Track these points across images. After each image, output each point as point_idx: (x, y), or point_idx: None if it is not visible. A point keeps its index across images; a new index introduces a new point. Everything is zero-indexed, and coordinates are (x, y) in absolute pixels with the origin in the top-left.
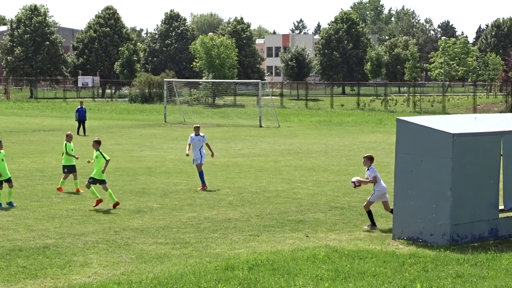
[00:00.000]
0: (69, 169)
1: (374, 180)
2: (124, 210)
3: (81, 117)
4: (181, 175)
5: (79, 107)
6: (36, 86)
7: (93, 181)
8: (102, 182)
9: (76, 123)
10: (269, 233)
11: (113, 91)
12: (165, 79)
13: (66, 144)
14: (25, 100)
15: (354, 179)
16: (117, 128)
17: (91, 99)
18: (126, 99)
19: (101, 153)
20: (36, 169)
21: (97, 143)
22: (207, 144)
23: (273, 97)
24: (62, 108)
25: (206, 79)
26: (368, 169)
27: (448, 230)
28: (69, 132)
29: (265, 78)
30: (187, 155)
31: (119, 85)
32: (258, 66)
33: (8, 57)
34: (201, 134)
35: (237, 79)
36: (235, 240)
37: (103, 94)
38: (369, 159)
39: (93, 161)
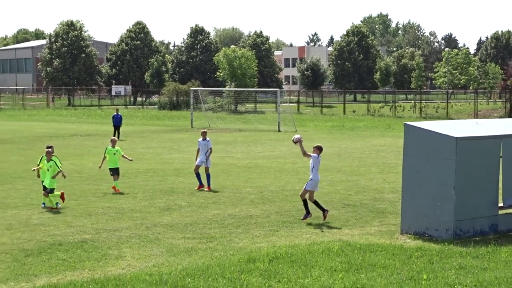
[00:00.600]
0: (114, 171)
1: (309, 157)
2: (155, 208)
3: (116, 123)
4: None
5: (115, 113)
6: (73, 94)
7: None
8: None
9: (112, 129)
10: (288, 228)
11: (144, 99)
12: (191, 88)
13: (106, 148)
14: (64, 108)
15: (297, 136)
16: (148, 133)
17: (123, 106)
18: (156, 106)
19: (55, 163)
20: (74, 170)
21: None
22: (210, 149)
23: (290, 104)
24: (97, 115)
25: (229, 87)
26: (317, 156)
27: (452, 225)
28: (113, 138)
29: (283, 86)
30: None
31: (149, 94)
32: (276, 75)
33: (48, 68)
34: (207, 138)
35: (257, 88)
36: (256, 235)
37: (134, 102)
38: (318, 149)
39: (39, 168)
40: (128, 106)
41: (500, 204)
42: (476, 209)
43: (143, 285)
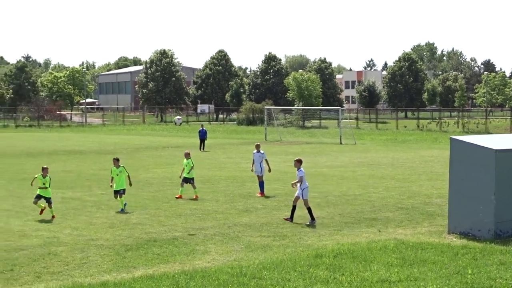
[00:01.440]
0: (186, 180)
1: (301, 180)
2: (235, 210)
3: (201, 136)
4: (279, 182)
5: (200, 128)
6: (165, 112)
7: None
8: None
9: (199, 141)
10: (349, 228)
11: (225, 116)
12: (265, 107)
13: (184, 161)
14: (157, 124)
15: (178, 117)
16: (228, 145)
17: (207, 122)
18: (235, 122)
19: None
20: (166, 177)
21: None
22: (266, 160)
23: (350, 120)
24: (185, 129)
25: (297, 106)
26: (298, 170)
27: (493, 226)
28: (186, 151)
29: (344, 105)
30: (252, 170)
31: (229, 111)
32: (338, 96)
33: (144, 90)
34: (261, 151)
35: (321, 106)
36: (322, 233)
37: (217, 118)
38: (299, 162)
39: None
40: (211, 122)
41: None
42: None
43: (225, 276)
